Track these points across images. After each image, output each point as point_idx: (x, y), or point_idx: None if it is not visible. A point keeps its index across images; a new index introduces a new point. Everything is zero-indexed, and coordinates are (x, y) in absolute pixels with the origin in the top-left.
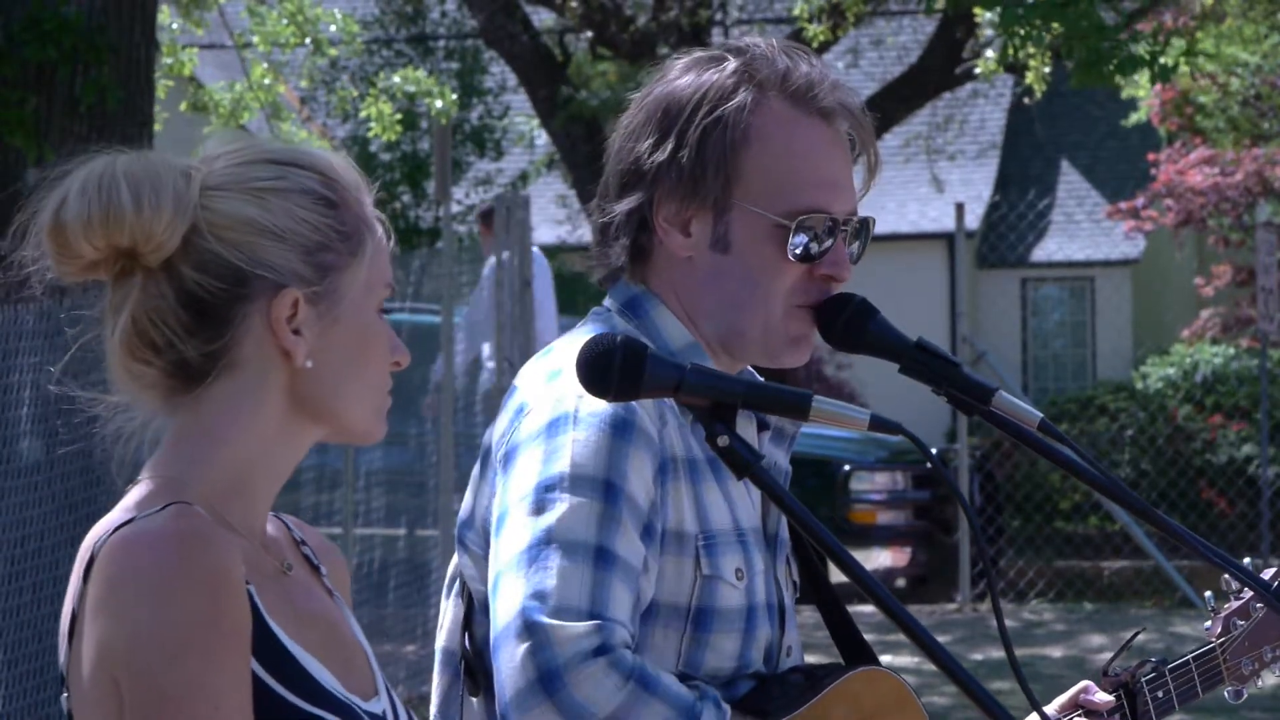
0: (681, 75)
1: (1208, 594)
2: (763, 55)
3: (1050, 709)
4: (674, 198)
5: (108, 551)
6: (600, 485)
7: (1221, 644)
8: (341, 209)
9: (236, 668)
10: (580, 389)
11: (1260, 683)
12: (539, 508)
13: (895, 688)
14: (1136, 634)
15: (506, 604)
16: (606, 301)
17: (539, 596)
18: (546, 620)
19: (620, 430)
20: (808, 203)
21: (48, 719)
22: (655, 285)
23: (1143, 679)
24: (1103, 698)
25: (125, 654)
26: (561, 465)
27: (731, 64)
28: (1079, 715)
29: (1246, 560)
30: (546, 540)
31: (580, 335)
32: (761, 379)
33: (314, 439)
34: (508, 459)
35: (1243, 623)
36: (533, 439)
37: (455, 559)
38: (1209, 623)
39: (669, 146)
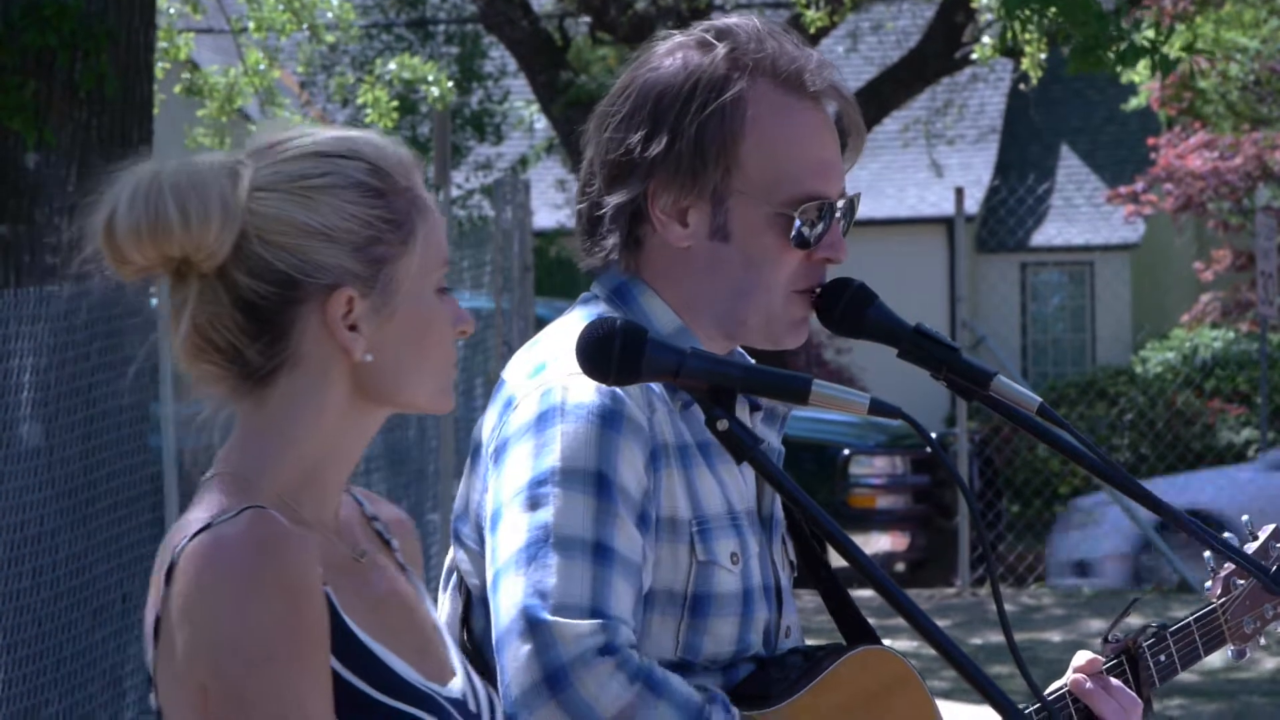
0: (668, 61)
1: (1206, 554)
2: (749, 38)
3: (1052, 687)
4: (671, 189)
5: (188, 558)
6: (593, 478)
7: (1222, 604)
8: (391, 196)
9: (317, 672)
10: (567, 380)
11: (1263, 641)
12: (533, 503)
13: (897, 666)
14: (1134, 601)
15: (508, 603)
16: (594, 288)
17: (540, 594)
18: (550, 618)
19: (609, 421)
20: (807, 190)
21: (46, 703)
22: (647, 274)
23: (1144, 644)
24: (1099, 659)
25: (209, 661)
26: (552, 459)
27: (720, 49)
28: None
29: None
30: (544, 537)
31: (567, 323)
32: (755, 362)
33: (383, 418)
34: (498, 454)
35: (1243, 582)
36: (522, 433)
37: (451, 553)
38: (1209, 582)
39: (664, 138)
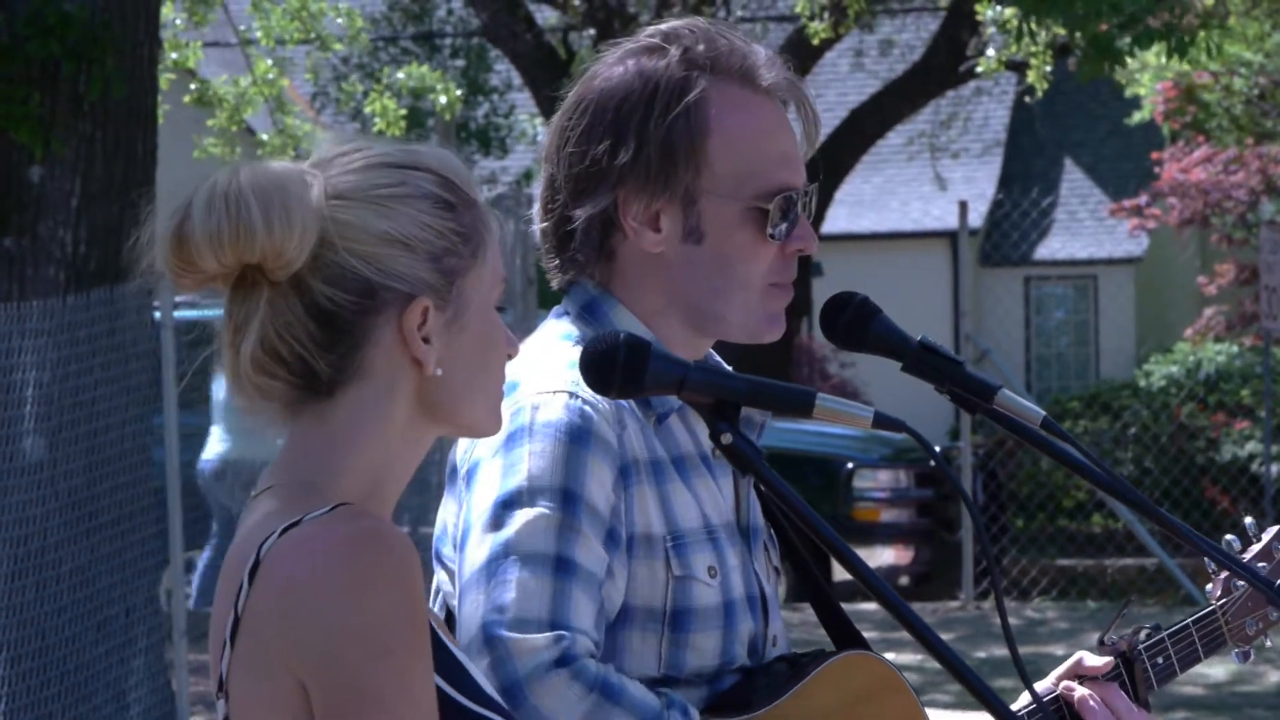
0: (619, 70)
1: (1208, 560)
2: (698, 39)
3: (1046, 682)
4: (641, 195)
5: (283, 553)
6: (558, 494)
7: (1222, 605)
8: (460, 210)
9: (428, 668)
10: (536, 398)
11: (1268, 642)
12: (497, 523)
13: (883, 672)
14: (1128, 602)
15: (468, 620)
16: (564, 304)
17: (498, 610)
18: (506, 634)
19: (577, 439)
20: (776, 182)
21: (50, 715)
22: (617, 285)
23: (1140, 646)
24: (1097, 661)
25: (320, 655)
26: (519, 478)
27: (673, 52)
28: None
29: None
30: (504, 553)
31: (539, 340)
32: (729, 370)
33: (434, 438)
34: (469, 476)
35: (1243, 584)
36: (491, 454)
37: (435, 576)
38: (1210, 585)
39: (631, 146)
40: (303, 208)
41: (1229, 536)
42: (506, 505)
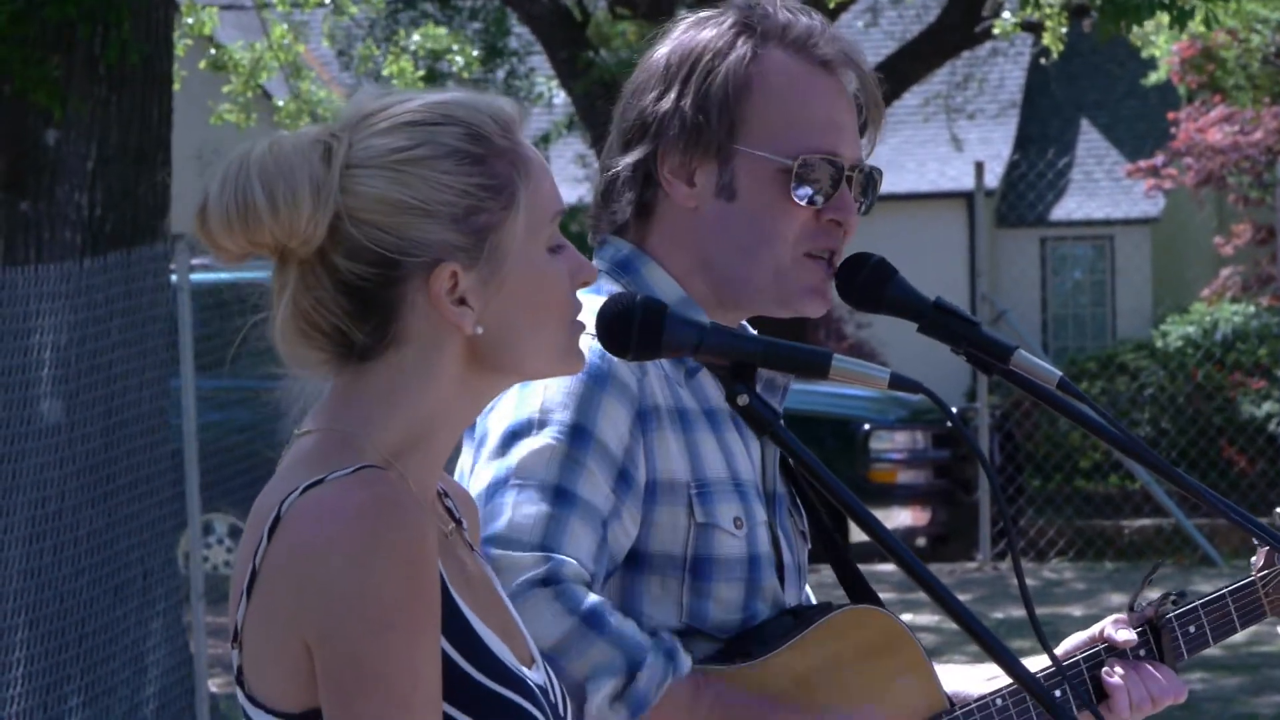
0: (683, 34)
1: (1243, 510)
2: (762, 10)
3: (1073, 640)
4: (677, 148)
5: (300, 513)
6: (568, 428)
7: (1263, 576)
8: (490, 160)
9: (433, 643)
10: None
11: None
12: (504, 450)
13: (888, 625)
14: (1156, 567)
15: None
16: (595, 261)
17: (490, 530)
18: (495, 551)
19: (594, 379)
20: (812, 144)
21: (68, 678)
22: (653, 242)
23: (1169, 615)
24: (1126, 636)
25: (322, 623)
26: (531, 410)
27: (730, 17)
28: (1103, 647)
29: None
30: (505, 479)
31: None
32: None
33: (505, 385)
34: (486, 413)
35: None
36: (508, 390)
37: None
38: (1254, 557)
39: (671, 97)
40: (311, 186)
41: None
42: (515, 434)
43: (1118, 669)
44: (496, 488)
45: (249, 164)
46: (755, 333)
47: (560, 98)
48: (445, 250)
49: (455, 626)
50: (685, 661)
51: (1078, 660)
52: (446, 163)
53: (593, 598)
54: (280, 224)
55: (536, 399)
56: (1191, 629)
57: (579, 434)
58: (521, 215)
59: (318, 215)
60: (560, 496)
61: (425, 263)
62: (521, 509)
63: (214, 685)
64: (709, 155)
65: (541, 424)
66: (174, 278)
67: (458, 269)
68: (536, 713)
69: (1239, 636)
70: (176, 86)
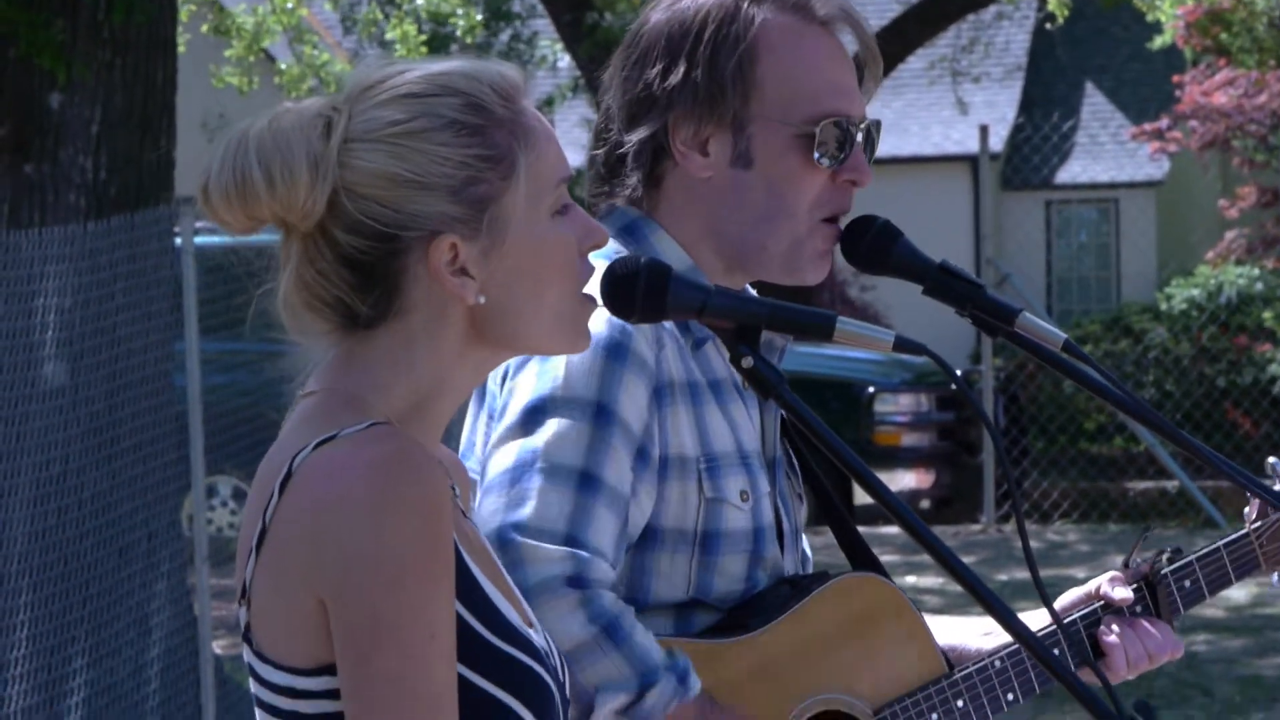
0: (681, 2)
1: (1248, 472)
2: None
3: (1069, 597)
4: (690, 119)
5: (313, 469)
6: (591, 408)
7: (1256, 528)
8: (489, 130)
9: (448, 598)
10: None
11: None
12: (527, 428)
13: (887, 592)
14: (1148, 528)
15: (486, 520)
16: (603, 225)
17: (516, 516)
18: (520, 539)
19: (614, 354)
20: (826, 108)
21: (73, 640)
22: (662, 211)
23: (1164, 570)
24: (1122, 594)
25: (338, 578)
26: (553, 385)
27: None
28: (1099, 605)
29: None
30: (531, 461)
31: None
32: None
33: (504, 358)
34: (504, 380)
35: None
36: (528, 359)
37: None
38: (1246, 508)
39: (680, 69)
40: (309, 160)
41: (1272, 459)
42: (537, 411)
43: (1114, 627)
44: (522, 470)
45: (248, 140)
46: (754, 293)
47: (564, 61)
48: (444, 222)
49: (466, 586)
50: (695, 683)
51: (1075, 619)
52: (444, 134)
53: (617, 605)
54: (278, 200)
55: (558, 374)
56: (1187, 584)
57: (603, 414)
58: (522, 185)
59: (315, 191)
60: (586, 482)
61: (424, 235)
62: (548, 497)
63: (218, 647)
64: (723, 125)
65: (566, 402)
66: (178, 241)
67: (457, 240)
68: (544, 674)
69: (1242, 598)
70: (181, 50)
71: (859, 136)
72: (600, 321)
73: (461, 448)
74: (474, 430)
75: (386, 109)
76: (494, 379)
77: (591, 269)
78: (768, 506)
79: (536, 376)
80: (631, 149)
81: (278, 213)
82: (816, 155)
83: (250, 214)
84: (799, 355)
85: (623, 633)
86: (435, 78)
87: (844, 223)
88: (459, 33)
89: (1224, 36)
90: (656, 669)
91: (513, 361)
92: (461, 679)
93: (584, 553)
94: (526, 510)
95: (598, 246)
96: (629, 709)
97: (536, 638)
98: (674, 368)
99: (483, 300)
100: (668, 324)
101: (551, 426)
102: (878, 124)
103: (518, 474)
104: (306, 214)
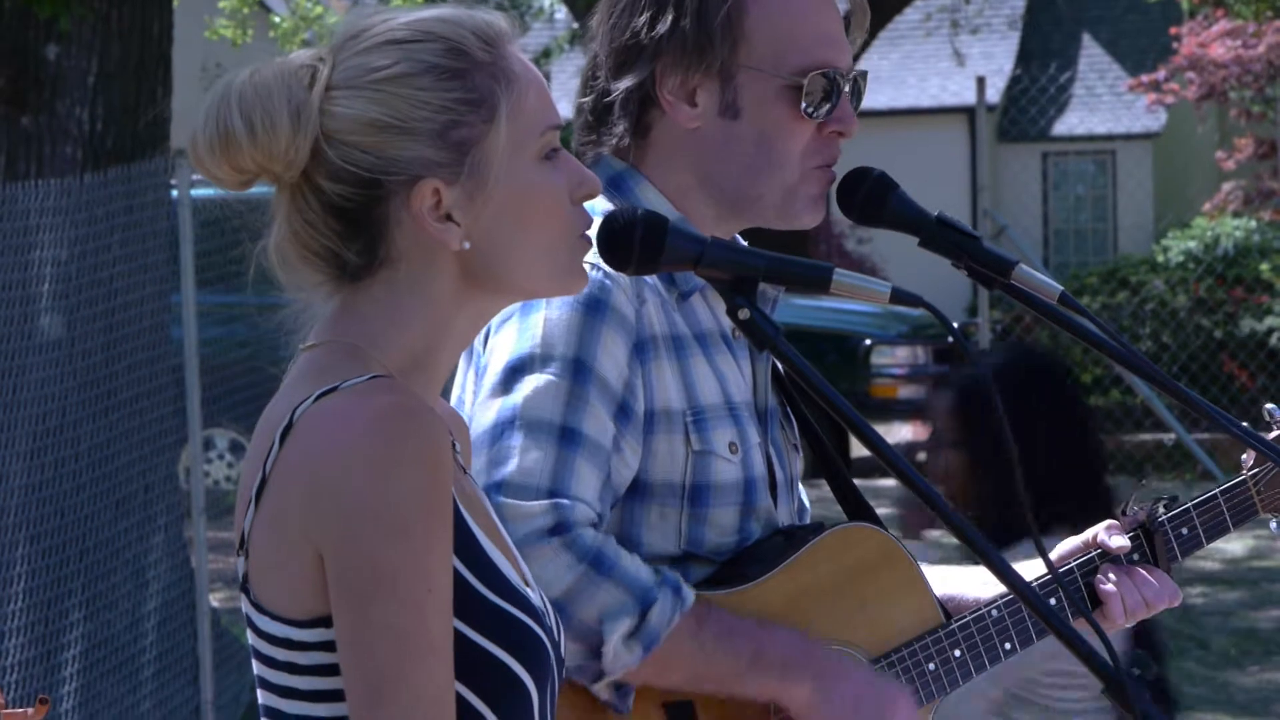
0: None
1: (1245, 424)
2: None
3: (1066, 545)
4: (678, 69)
5: (314, 420)
6: (569, 364)
7: (1254, 475)
8: (470, 74)
9: (446, 551)
10: None
11: None
12: (506, 386)
13: (881, 542)
14: (1142, 478)
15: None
16: None
17: (500, 475)
18: (503, 499)
19: (593, 309)
20: (816, 59)
21: (70, 593)
22: (649, 162)
23: (1161, 518)
24: (1119, 542)
25: (338, 529)
26: (532, 343)
27: None
28: (1096, 554)
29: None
30: (510, 419)
31: None
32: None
33: (501, 304)
34: (486, 338)
35: None
36: (508, 318)
37: None
38: (1244, 455)
39: (669, 17)
40: (290, 109)
41: (1270, 406)
42: (516, 370)
43: (1111, 575)
44: (502, 429)
45: (230, 92)
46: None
47: (562, 12)
48: (426, 167)
49: (464, 543)
50: (689, 594)
51: (1072, 568)
52: (424, 79)
53: (599, 539)
54: (260, 149)
55: (536, 331)
56: (1184, 530)
57: (580, 369)
58: (504, 128)
59: (297, 140)
60: (565, 436)
61: (407, 180)
62: (529, 454)
63: (215, 600)
64: (711, 75)
65: (544, 360)
66: (175, 193)
67: (440, 185)
68: (540, 631)
69: (1239, 551)
70: (176, 2)
71: (846, 88)
72: None
73: (451, 404)
74: (463, 389)
75: (369, 56)
76: (479, 337)
77: (586, 216)
78: (759, 458)
79: (516, 335)
80: (619, 97)
81: (261, 163)
82: (804, 106)
83: (235, 165)
84: (795, 307)
85: (609, 561)
86: (417, 24)
87: (840, 174)
88: None
89: None
90: (651, 587)
91: (494, 320)
92: (458, 634)
93: (565, 500)
94: (509, 468)
95: (590, 196)
96: (635, 632)
97: (534, 596)
98: (656, 321)
99: (468, 246)
100: (649, 278)
101: (530, 384)
102: (864, 75)
103: (498, 432)
104: (290, 163)
